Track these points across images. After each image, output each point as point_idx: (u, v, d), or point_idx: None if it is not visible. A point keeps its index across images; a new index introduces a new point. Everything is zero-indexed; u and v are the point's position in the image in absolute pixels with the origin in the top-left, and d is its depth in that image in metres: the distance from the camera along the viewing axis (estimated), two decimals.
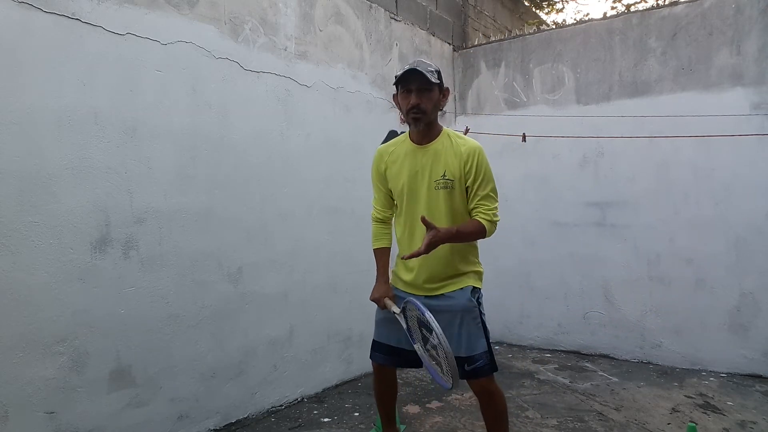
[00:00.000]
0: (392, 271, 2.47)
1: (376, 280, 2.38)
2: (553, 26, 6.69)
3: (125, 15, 2.61)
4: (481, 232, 2.19)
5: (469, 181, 2.21)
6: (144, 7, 2.69)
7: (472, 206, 2.24)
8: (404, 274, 2.36)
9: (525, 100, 5.01)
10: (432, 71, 2.16)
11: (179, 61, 2.85)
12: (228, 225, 3.10)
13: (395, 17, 4.52)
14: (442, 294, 2.27)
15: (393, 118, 4.45)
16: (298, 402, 3.51)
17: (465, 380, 2.21)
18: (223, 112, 3.08)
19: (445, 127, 2.33)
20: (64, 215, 2.39)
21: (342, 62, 3.94)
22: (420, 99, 2.15)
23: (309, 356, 3.63)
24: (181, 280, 2.86)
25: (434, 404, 3.45)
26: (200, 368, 2.95)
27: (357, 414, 3.33)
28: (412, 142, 2.30)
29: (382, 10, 4.36)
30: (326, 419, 3.25)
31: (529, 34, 5.14)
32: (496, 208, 2.25)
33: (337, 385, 3.83)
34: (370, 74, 4.21)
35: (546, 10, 11.68)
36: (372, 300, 2.35)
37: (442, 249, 2.18)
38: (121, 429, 2.59)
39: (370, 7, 4.23)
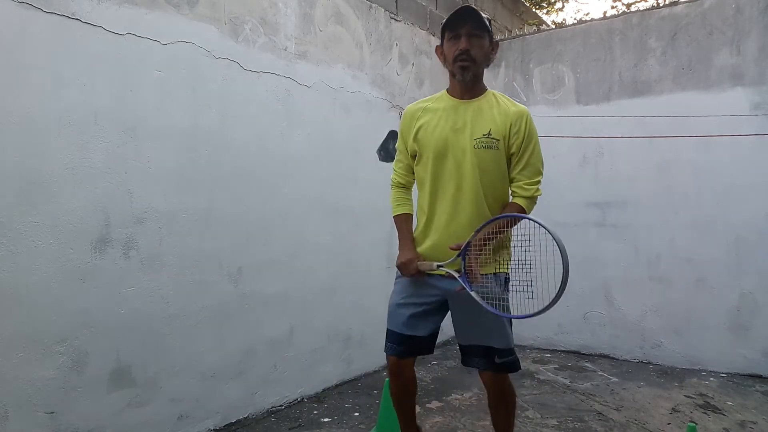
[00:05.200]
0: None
1: (402, 246, 2.10)
2: (553, 26, 6.69)
3: (125, 15, 2.61)
4: (518, 219, 1.91)
5: (514, 146, 1.97)
6: (144, 7, 2.69)
7: (513, 175, 2.00)
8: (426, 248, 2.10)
9: (525, 100, 5.01)
10: (485, 17, 1.96)
11: (179, 61, 2.85)
12: (228, 225, 3.10)
13: (395, 17, 4.52)
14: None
15: (393, 118, 4.45)
16: (298, 402, 3.51)
17: (478, 371, 2.10)
18: (223, 112, 3.08)
19: (490, 89, 2.09)
20: (64, 215, 2.39)
21: (342, 62, 3.94)
22: (470, 44, 1.91)
23: (309, 356, 3.63)
24: (181, 280, 2.86)
25: (434, 404, 3.45)
26: (200, 368, 2.95)
27: (357, 414, 3.33)
28: (452, 96, 2.05)
29: (382, 10, 4.36)
30: (326, 419, 3.25)
31: (529, 34, 5.15)
32: (538, 182, 2.01)
33: (337, 385, 3.83)
34: (370, 74, 4.21)
35: (546, 10, 11.68)
36: (399, 265, 2.07)
37: (470, 215, 1.97)
38: (121, 429, 2.59)
39: (370, 7, 4.22)
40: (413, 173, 2.19)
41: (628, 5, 10.09)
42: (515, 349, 2.11)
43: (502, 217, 1.91)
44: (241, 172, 3.18)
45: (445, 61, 2.04)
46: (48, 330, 2.33)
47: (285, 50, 3.47)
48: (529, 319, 1.83)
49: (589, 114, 4.61)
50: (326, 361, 3.77)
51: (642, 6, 9.05)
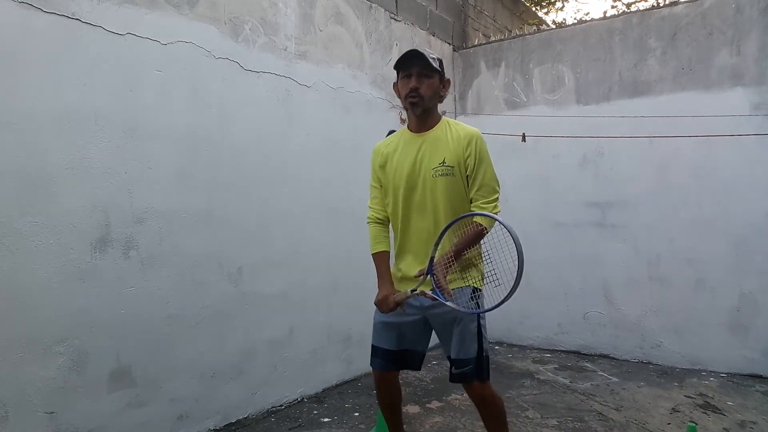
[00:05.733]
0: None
1: (379, 284, 2.23)
2: (553, 26, 6.70)
3: (125, 15, 2.61)
4: (481, 235, 2.07)
5: (469, 168, 2.13)
6: (144, 7, 2.69)
7: (471, 196, 2.16)
8: (398, 271, 2.27)
9: (525, 100, 5.01)
10: (434, 58, 2.14)
11: (179, 61, 2.85)
12: (228, 225, 3.10)
13: (395, 17, 4.52)
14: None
15: (393, 118, 4.45)
16: (298, 402, 3.51)
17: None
18: (223, 112, 3.08)
19: (444, 117, 2.28)
20: (64, 215, 2.39)
21: (342, 62, 3.94)
22: (419, 83, 2.11)
23: (309, 356, 3.63)
24: (181, 280, 2.86)
25: (434, 404, 3.45)
26: (200, 368, 2.95)
27: (357, 414, 3.33)
28: (410, 131, 2.26)
29: (382, 10, 4.35)
30: (326, 419, 3.25)
31: (529, 34, 5.15)
32: (495, 200, 2.14)
33: (337, 385, 3.83)
34: (370, 74, 4.21)
35: (546, 10, 11.67)
36: (377, 303, 2.19)
37: (432, 240, 2.06)
38: (121, 429, 2.59)
39: (370, 7, 4.22)
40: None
41: (628, 5, 10.08)
42: (491, 351, 2.22)
43: (456, 221, 2.02)
44: (241, 172, 3.18)
45: (399, 98, 2.23)
46: (48, 330, 2.33)
47: (285, 50, 3.47)
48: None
49: (589, 114, 4.61)
50: (326, 361, 3.77)
51: (642, 6, 9.05)
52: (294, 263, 3.51)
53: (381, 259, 2.30)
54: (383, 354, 2.27)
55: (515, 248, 1.82)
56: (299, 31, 3.57)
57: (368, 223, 2.39)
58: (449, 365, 2.21)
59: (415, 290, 2.03)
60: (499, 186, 2.19)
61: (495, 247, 2.02)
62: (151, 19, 2.72)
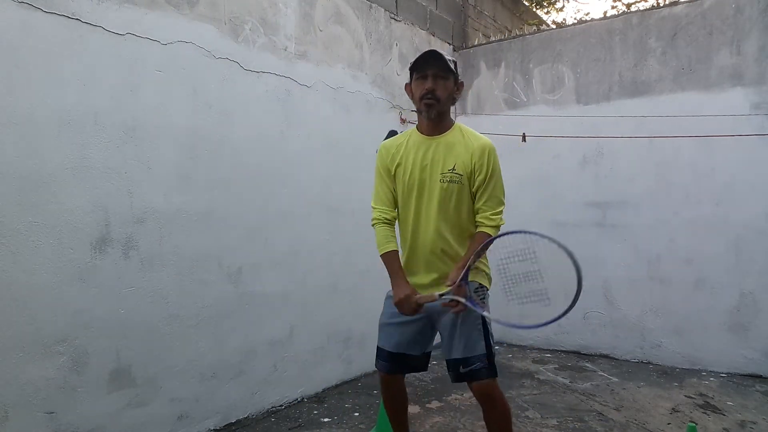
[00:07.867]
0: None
1: (396, 284, 2.15)
2: (553, 26, 6.70)
3: (125, 15, 2.61)
4: (489, 244, 2.09)
5: (479, 179, 2.12)
6: (144, 7, 2.69)
7: (477, 206, 2.16)
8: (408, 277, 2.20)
9: (525, 100, 5.01)
10: (450, 59, 2.11)
11: (179, 61, 2.85)
12: (228, 225, 3.10)
13: (395, 17, 4.52)
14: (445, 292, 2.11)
15: (393, 118, 4.45)
16: (298, 402, 3.51)
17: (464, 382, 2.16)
18: (223, 112, 3.08)
19: (456, 122, 2.24)
20: (64, 215, 2.39)
21: (342, 62, 3.94)
22: (435, 85, 2.08)
23: (309, 356, 3.63)
24: (181, 280, 2.86)
25: (434, 404, 3.45)
26: (200, 368, 2.95)
27: (357, 414, 3.33)
28: (421, 133, 2.21)
29: (382, 10, 4.36)
30: (326, 419, 3.25)
31: (529, 34, 5.15)
32: (501, 212, 2.16)
33: (337, 385, 3.83)
34: (370, 74, 4.21)
35: (546, 10, 11.67)
36: (397, 303, 2.10)
37: (435, 247, 2.13)
38: (121, 429, 2.59)
39: (370, 7, 4.22)
40: (395, 207, 2.27)
41: (628, 5, 10.08)
42: (492, 357, 2.13)
43: (504, 234, 2.08)
44: (241, 172, 3.18)
45: (413, 98, 2.19)
46: (48, 330, 2.33)
47: (285, 50, 3.47)
48: (528, 318, 1.99)
49: (589, 114, 4.61)
50: (326, 361, 3.77)
51: (642, 6, 9.05)
52: (294, 263, 3.51)
53: (394, 258, 2.19)
54: (388, 356, 2.25)
55: (575, 271, 1.94)
56: (299, 31, 3.57)
57: (374, 225, 2.26)
58: (451, 368, 2.15)
59: (444, 294, 2.00)
60: (504, 198, 2.20)
61: (547, 266, 2.04)
62: (151, 19, 2.72)
